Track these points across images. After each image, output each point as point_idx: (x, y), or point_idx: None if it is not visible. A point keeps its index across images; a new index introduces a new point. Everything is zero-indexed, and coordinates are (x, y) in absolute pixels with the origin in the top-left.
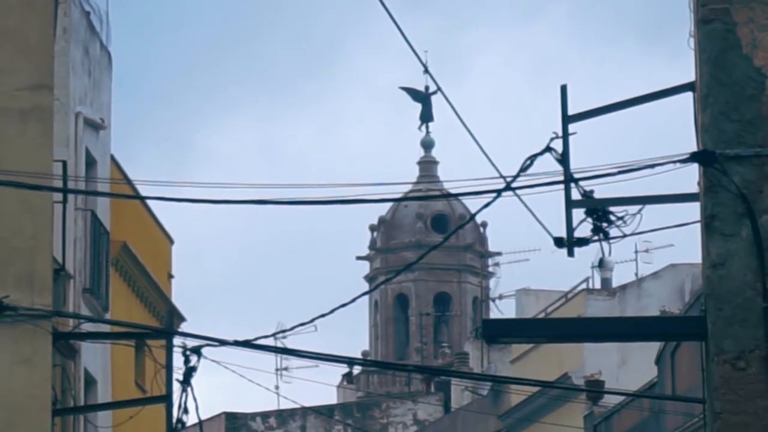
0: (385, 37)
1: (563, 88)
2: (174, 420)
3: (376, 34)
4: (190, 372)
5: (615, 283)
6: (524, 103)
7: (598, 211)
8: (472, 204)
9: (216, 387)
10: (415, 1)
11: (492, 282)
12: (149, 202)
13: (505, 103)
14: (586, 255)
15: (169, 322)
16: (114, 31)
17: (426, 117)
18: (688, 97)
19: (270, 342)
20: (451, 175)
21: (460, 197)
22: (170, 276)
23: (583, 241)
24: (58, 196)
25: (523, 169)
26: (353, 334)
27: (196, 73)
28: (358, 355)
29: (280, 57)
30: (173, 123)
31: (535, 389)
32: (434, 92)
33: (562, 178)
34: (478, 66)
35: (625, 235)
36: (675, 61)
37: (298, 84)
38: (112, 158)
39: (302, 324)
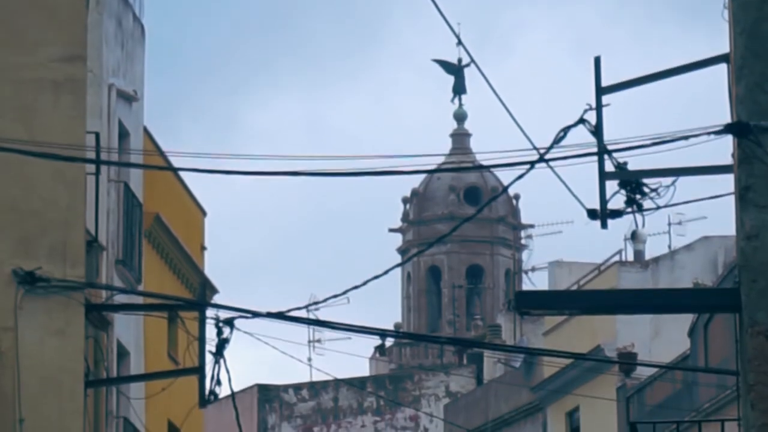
0: (428, 10)
1: (597, 60)
2: (207, 392)
3: (419, 8)
4: (222, 344)
5: (648, 256)
6: (563, 79)
7: (632, 182)
8: (505, 176)
9: (249, 359)
10: None
11: (525, 254)
12: (182, 174)
13: (543, 79)
14: (619, 227)
15: (201, 294)
16: (155, 6)
17: (459, 89)
18: (722, 68)
19: (303, 314)
20: (484, 148)
21: (493, 169)
22: (203, 248)
23: (617, 213)
24: (91, 168)
25: (557, 140)
26: (386, 307)
27: (238, 48)
28: (391, 327)
29: (322, 31)
30: (216, 98)
31: (568, 361)
32: (467, 65)
33: (595, 149)
34: (520, 43)
35: (658, 207)
36: (714, 36)
37: (341, 58)
38: (145, 130)
39: (335, 296)
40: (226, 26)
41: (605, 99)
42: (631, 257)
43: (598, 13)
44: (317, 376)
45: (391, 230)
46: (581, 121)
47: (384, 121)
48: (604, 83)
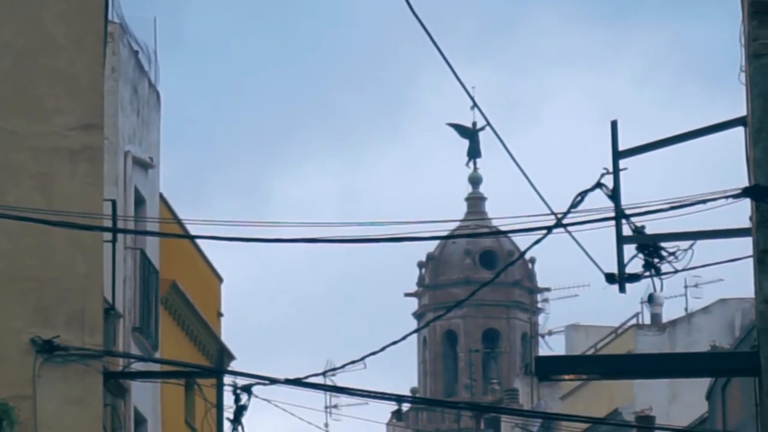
0: (451, 78)
1: (614, 124)
2: None
3: (444, 74)
4: (240, 411)
5: (664, 319)
6: (584, 145)
7: (650, 246)
8: (521, 239)
9: (266, 425)
10: (486, 49)
11: (541, 318)
12: (199, 241)
13: (565, 145)
14: (636, 290)
15: (219, 361)
16: (185, 77)
17: (473, 153)
18: (739, 131)
19: (320, 380)
20: (501, 212)
21: (511, 234)
22: (219, 314)
23: (635, 277)
24: (108, 236)
25: (574, 205)
26: (402, 371)
27: (265, 116)
28: (407, 392)
29: (348, 97)
30: (244, 169)
31: (586, 426)
32: (482, 128)
33: (613, 214)
34: (546, 110)
35: (677, 271)
36: (737, 101)
37: (369, 125)
38: (161, 197)
39: (352, 362)
40: (250, 93)
41: (623, 163)
42: (648, 320)
43: (625, 81)
44: None
45: (407, 294)
46: (598, 185)
47: (412, 187)
48: (627, 148)
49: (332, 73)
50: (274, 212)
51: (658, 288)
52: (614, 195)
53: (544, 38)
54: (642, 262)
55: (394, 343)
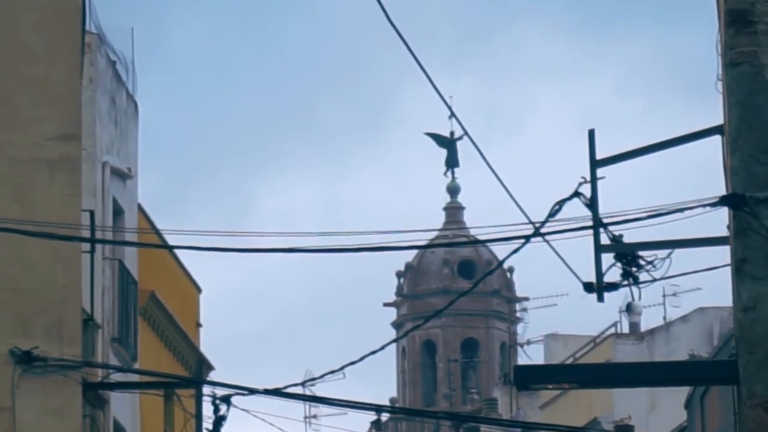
0: (431, 88)
1: (591, 133)
2: None
3: (427, 85)
4: (219, 421)
5: (643, 327)
6: (563, 155)
7: (628, 255)
8: (499, 249)
9: None
10: (467, 58)
11: (520, 327)
12: (177, 252)
13: (545, 155)
14: (614, 299)
15: (198, 371)
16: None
17: (451, 163)
18: (717, 140)
19: (299, 390)
20: (479, 222)
21: (489, 243)
22: (198, 325)
23: (613, 286)
24: (86, 246)
25: (552, 214)
26: (381, 381)
27: (247, 128)
28: (387, 402)
29: (331, 107)
30: (228, 180)
31: None
32: (459, 138)
33: (590, 223)
34: (525, 120)
35: (655, 280)
36: (715, 110)
37: (351, 135)
38: (140, 207)
39: (331, 372)
40: (230, 104)
41: (601, 172)
42: (626, 329)
43: (606, 90)
44: None
45: (386, 304)
46: (576, 194)
47: (394, 196)
48: (604, 157)
49: (313, 83)
50: (255, 222)
51: (636, 297)
52: (592, 204)
53: (525, 47)
54: (620, 271)
55: (373, 353)
